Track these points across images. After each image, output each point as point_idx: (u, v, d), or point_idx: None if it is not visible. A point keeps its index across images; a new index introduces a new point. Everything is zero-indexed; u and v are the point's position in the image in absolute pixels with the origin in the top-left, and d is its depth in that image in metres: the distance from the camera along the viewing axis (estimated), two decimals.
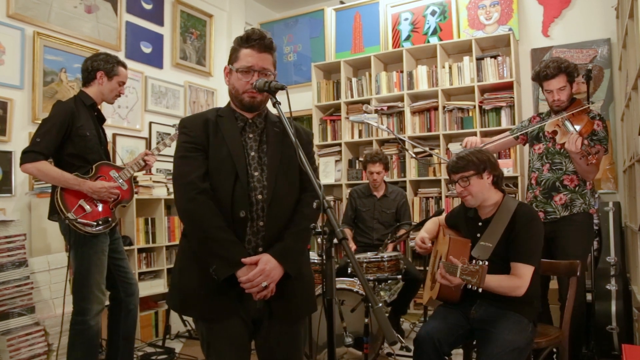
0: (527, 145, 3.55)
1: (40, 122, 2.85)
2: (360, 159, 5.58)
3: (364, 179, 5.28)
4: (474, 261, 2.20)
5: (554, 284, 3.46)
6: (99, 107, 3.28)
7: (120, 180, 3.19)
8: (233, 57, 1.99)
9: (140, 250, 4.48)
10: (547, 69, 3.16)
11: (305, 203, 2.00)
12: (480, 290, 2.17)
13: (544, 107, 4.77)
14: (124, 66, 3.31)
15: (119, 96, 3.33)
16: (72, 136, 3.03)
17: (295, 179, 2.01)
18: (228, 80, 2.02)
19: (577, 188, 3.16)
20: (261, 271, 1.83)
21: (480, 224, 2.63)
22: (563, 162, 3.20)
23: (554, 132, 3.17)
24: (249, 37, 1.95)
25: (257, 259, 1.86)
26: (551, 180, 3.21)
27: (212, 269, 1.84)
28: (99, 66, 3.19)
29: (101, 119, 3.31)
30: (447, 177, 2.71)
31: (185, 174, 1.90)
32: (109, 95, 3.26)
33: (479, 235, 2.60)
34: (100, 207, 3.07)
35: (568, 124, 3.05)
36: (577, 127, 3.02)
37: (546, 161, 3.27)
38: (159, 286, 4.63)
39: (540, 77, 3.22)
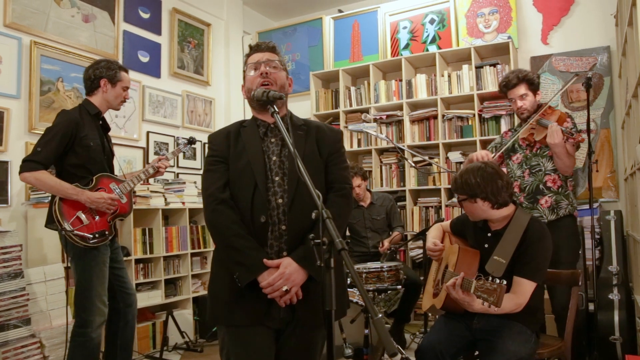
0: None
1: (36, 131, 2.87)
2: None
3: None
4: (489, 278, 2.17)
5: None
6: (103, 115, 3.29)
7: (118, 191, 3.18)
8: (244, 69, 2.10)
9: (137, 261, 4.46)
10: (507, 79, 3.40)
11: (330, 203, 1.98)
12: (496, 310, 2.13)
13: None
14: (126, 70, 3.33)
15: (125, 101, 3.34)
16: (75, 146, 3.04)
17: (319, 181, 2.00)
18: (245, 93, 2.09)
19: (560, 189, 3.27)
20: (281, 275, 1.83)
21: (489, 234, 2.60)
22: (541, 163, 3.30)
23: (531, 135, 3.29)
24: (252, 45, 2.11)
25: (278, 263, 1.87)
26: (534, 184, 3.30)
27: (235, 276, 1.89)
28: (102, 74, 3.20)
29: (106, 128, 3.32)
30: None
31: (207, 186, 2.00)
32: (115, 102, 3.28)
33: (486, 246, 2.57)
34: (97, 220, 3.07)
35: (544, 121, 3.21)
36: (553, 120, 3.18)
37: (525, 167, 3.36)
38: (157, 297, 4.61)
39: (502, 88, 3.44)
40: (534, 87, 3.37)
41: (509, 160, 3.49)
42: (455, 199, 5.10)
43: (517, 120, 4.88)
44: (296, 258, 1.88)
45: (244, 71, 2.12)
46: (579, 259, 3.43)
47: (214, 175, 2.01)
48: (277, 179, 1.96)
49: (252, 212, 1.93)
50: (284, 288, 1.83)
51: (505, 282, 2.10)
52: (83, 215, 3.01)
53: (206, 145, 5.73)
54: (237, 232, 1.90)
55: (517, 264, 2.44)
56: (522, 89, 3.35)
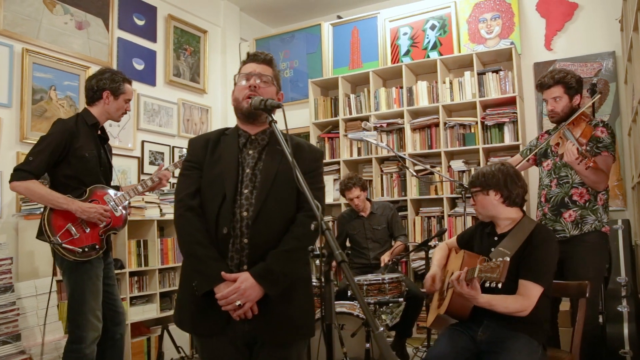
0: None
1: (28, 141, 2.85)
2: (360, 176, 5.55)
3: None
4: (494, 259, 2.20)
5: (564, 306, 3.41)
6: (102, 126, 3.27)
7: (112, 204, 3.15)
8: (237, 77, 2.13)
9: (132, 274, 4.42)
10: (543, 78, 3.25)
11: (298, 223, 2.01)
12: (499, 285, 2.14)
13: (547, 122, 4.77)
14: (129, 82, 3.31)
15: (125, 113, 3.33)
16: (69, 157, 3.01)
17: (290, 198, 2.03)
18: (233, 101, 2.12)
19: (587, 204, 3.10)
20: (235, 289, 1.87)
21: (496, 238, 2.63)
22: (569, 175, 3.16)
23: (557, 145, 3.19)
24: (250, 54, 2.15)
25: (236, 277, 1.90)
26: (560, 195, 3.17)
27: (194, 284, 1.94)
28: (105, 85, 3.17)
29: (104, 139, 3.29)
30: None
31: (179, 191, 2.05)
32: (116, 114, 3.26)
33: (493, 249, 2.58)
34: (88, 233, 3.03)
35: (568, 133, 3.08)
36: (576, 134, 3.05)
37: (554, 176, 3.23)
38: (152, 311, 4.57)
39: (537, 87, 3.32)
40: (571, 90, 3.17)
41: (540, 166, 3.38)
42: (459, 209, 5.09)
43: (520, 128, 4.89)
44: (254, 274, 1.90)
45: (235, 78, 2.15)
46: (601, 276, 3.31)
47: (187, 180, 2.06)
48: (246, 191, 1.99)
49: (217, 223, 1.97)
50: (237, 303, 1.86)
51: (508, 259, 2.14)
52: (73, 228, 2.98)
53: None
54: (200, 240, 1.95)
55: (522, 267, 2.44)
56: (555, 92, 3.18)
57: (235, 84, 2.13)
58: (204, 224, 1.98)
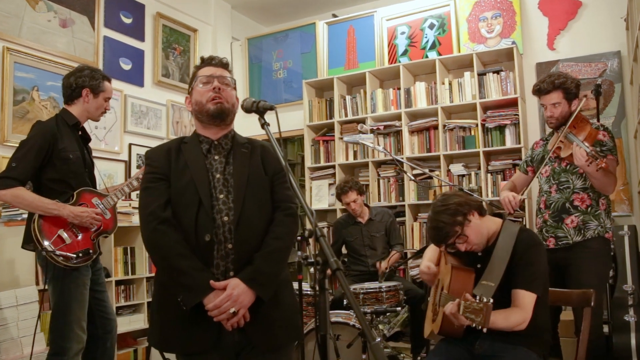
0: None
1: (9, 144, 2.81)
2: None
3: None
4: (477, 297, 2.13)
5: (565, 315, 3.39)
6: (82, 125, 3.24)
7: (102, 207, 3.12)
8: (192, 81, 2.15)
9: (118, 283, 4.39)
10: (542, 83, 3.23)
11: (277, 222, 2.05)
12: (484, 330, 2.09)
13: None
14: (109, 80, 3.28)
15: (105, 112, 3.30)
16: (53, 159, 2.97)
17: (266, 199, 2.07)
18: (190, 105, 2.14)
19: (589, 209, 3.11)
20: (228, 297, 1.86)
21: (479, 254, 2.56)
22: (570, 180, 3.16)
23: (558, 149, 3.17)
24: (206, 58, 2.17)
25: (225, 284, 1.89)
26: (560, 201, 3.17)
27: (179, 298, 1.90)
28: (85, 83, 3.14)
29: (86, 139, 3.26)
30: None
31: (147, 204, 2.00)
32: (96, 113, 3.23)
33: (479, 265, 2.53)
34: (80, 238, 3.00)
35: (571, 136, 3.08)
36: (581, 137, 3.05)
37: (553, 182, 3.23)
38: (139, 321, 4.53)
39: (534, 92, 3.30)
40: (569, 95, 3.18)
41: (539, 174, 3.35)
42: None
43: (522, 130, 4.87)
44: (244, 279, 1.91)
45: (191, 82, 2.15)
46: (605, 284, 3.28)
47: (154, 192, 2.01)
48: (221, 196, 1.99)
49: (196, 231, 1.95)
50: (232, 310, 1.86)
51: (492, 301, 2.07)
52: (65, 234, 2.95)
53: None
54: (181, 252, 1.91)
55: (513, 277, 2.40)
56: (554, 97, 3.18)
57: (191, 89, 2.13)
58: (181, 234, 1.95)
